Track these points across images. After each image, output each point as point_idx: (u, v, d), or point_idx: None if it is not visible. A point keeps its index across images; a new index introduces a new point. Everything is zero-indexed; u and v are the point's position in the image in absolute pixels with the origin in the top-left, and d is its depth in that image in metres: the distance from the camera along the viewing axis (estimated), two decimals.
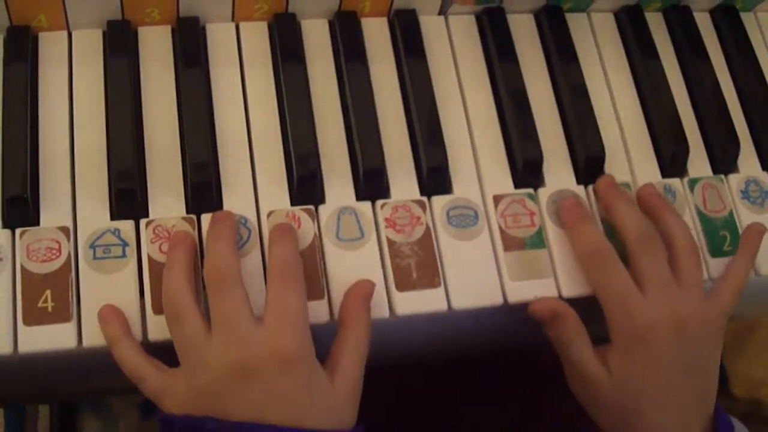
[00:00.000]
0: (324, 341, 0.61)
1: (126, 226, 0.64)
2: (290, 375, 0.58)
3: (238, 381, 0.57)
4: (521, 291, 0.67)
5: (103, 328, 0.61)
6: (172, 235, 0.63)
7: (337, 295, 0.64)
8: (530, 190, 0.70)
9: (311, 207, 0.66)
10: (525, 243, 0.68)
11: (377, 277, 0.65)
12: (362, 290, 0.63)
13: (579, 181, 0.72)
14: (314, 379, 0.59)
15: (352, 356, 0.61)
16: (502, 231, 0.68)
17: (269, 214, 0.65)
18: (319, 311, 0.63)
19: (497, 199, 0.69)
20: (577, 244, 0.67)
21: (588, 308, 0.66)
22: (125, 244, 0.63)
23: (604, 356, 0.65)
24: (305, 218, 0.66)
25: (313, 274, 0.64)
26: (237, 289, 0.59)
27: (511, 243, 0.68)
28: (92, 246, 0.63)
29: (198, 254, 0.63)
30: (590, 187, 0.71)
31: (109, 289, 0.62)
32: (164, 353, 0.61)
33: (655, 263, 0.65)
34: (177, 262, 0.61)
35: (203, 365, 0.58)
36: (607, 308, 0.65)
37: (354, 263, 0.65)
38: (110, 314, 0.61)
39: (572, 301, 0.67)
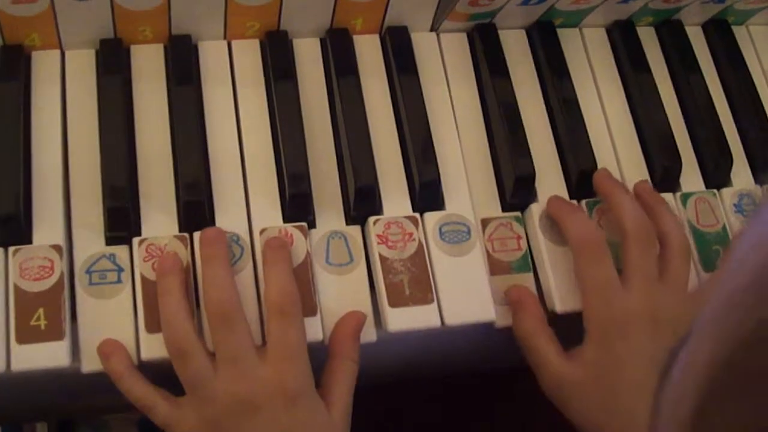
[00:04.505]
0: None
1: (121, 251, 0.64)
2: (293, 410, 0.59)
3: (245, 415, 0.59)
4: (508, 315, 0.68)
5: (105, 363, 0.61)
6: (160, 259, 0.63)
7: (327, 319, 0.64)
8: (518, 214, 0.70)
9: (303, 224, 0.66)
10: (511, 267, 0.68)
11: (366, 301, 0.65)
12: (352, 323, 0.64)
13: (571, 196, 0.72)
14: (315, 412, 0.61)
15: (343, 388, 0.63)
16: (489, 255, 0.68)
17: (262, 232, 0.65)
18: (312, 329, 0.63)
19: (485, 222, 0.69)
20: (569, 231, 0.67)
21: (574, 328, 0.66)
22: (120, 270, 0.63)
23: (575, 355, 0.65)
24: (298, 235, 0.66)
25: (306, 291, 0.64)
26: (240, 324, 0.60)
27: (497, 267, 0.68)
28: (88, 271, 0.63)
29: (191, 272, 0.63)
30: (583, 202, 0.71)
31: (105, 314, 0.62)
32: (158, 368, 0.61)
33: (644, 258, 0.65)
34: (171, 293, 0.61)
35: (211, 399, 0.60)
36: (587, 297, 0.65)
37: (344, 287, 0.65)
38: (111, 349, 0.61)
39: (565, 318, 0.67)
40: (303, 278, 0.64)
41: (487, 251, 0.68)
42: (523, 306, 0.66)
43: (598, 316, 0.64)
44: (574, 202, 0.71)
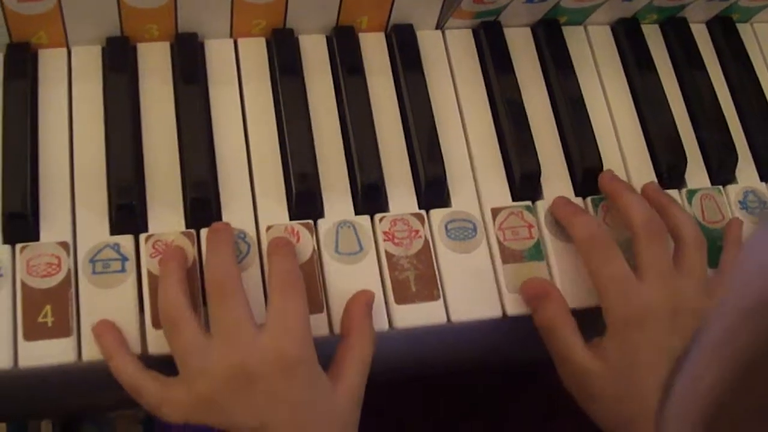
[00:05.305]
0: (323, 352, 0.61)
1: (125, 240, 0.64)
2: (292, 378, 0.58)
3: (240, 385, 0.57)
4: (520, 303, 0.67)
5: (98, 342, 0.61)
6: (164, 249, 0.63)
7: (337, 308, 0.64)
8: (528, 203, 0.70)
9: (310, 221, 0.66)
10: (523, 255, 0.68)
11: (378, 289, 0.65)
12: (364, 299, 0.64)
13: (577, 194, 0.72)
14: (316, 383, 0.60)
15: (355, 365, 0.62)
16: (500, 243, 0.68)
17: (268, 229, 0.66)
18: (318, 325, 0.63)
19: (495, 211, 0.69)
20: (575, 232, 0.67)
21: (585, 323, 0.66)
22: (125, 259, 0.63)
23: (597, 347, 0.65)
24: (304, 232, 0.66)
25: (312, 288, 0.64)
26: (237, 296, 0.59)
27: (509, 255, 0.68)
28: (92, 261, 0.63)
29: (197, 269, 0.64)
30: (588, 199, 0.71)
31: (108, 303, 0.62)
32: (164, 367, 0.61)
33: (657, 251, 0.65)
34: (171, 274, 0.61)
35: (204, 371, 0.58)
36: (603, 293, 0.64)
37: (353, 276, 0.65)
38: (105, 329, 0.61)
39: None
40: (309, 275, 0.64)
41: (498, 240, 0.68)
42: (548, 296, 0.66)
43: (617, 309, 0.64)
44: (579, 200, 0.71)
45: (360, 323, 0.63)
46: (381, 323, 0.65)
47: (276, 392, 0.58)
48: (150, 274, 0.63)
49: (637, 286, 0.64)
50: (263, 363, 0.58)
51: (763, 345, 0.29)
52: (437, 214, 0.68)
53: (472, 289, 0.67)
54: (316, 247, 0.66)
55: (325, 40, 0.75)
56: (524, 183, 0.70)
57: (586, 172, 0.71)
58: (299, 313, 0.60)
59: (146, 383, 0.60)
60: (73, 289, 0.62)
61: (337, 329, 0.64)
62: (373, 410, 0.63)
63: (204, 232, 0.64)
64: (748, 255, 0.32)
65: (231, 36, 0.73)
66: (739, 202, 0.74)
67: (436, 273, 0.66)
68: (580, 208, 0.69)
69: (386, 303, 0.65)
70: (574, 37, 0.79)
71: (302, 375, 0.59)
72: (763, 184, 0.76)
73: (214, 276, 0.60)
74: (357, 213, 0.68)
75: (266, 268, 0.64)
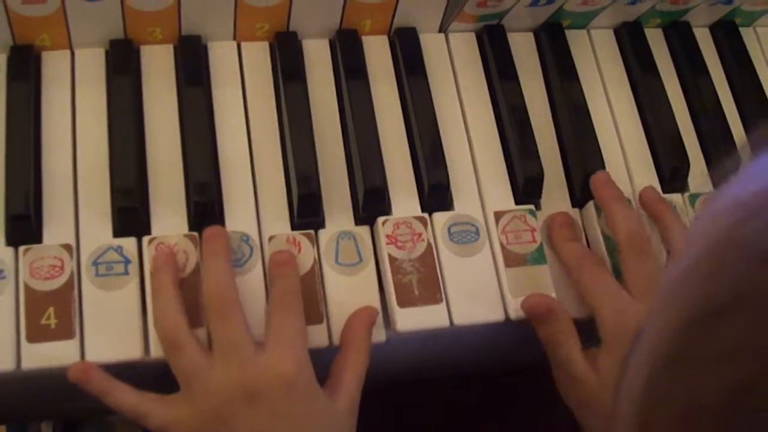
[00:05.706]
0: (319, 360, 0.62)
1: (128, 243, 0.64)
2: (292, 396, 0.59)
3: (243, 404, 0.58)
4: None
5: (84, 386, 0.60)
6: (152, 257, 0.63)
7: (336, 319, 0.64)
8: (531, 207, 0.70)
9: (311, 232, 0.66)
10: (526, 259, 0.68)
11: (375, 301, 0.65)
12: (366, 315, 0.64)
13: (579, 198, 0.72)
14: (315, 396, 0.60)
15: (353, 376, 0.63)
16: (503, 247, 0.68)
17: (270, 239, 0.66)
18: (318, 335, 0.64)
19: (498, 215, 0.69)
20: (563, 258, 0.68)
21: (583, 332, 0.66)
22: (128, 261, 0.63)
23: (593, 358, 0.65)
24: (305, 242, 0.66)
25: (312, 299, 0.64)
26: (236, 314, 0.60)
27: (512, 259, 0.68)
28: (95, 263, 0.63)
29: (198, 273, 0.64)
30: (591, 204, 0.71)
31: (111, 305, 0.62)
32: (166, 366, 0.61)
33: (640, 266, 0.65)
34: (163, 289, 0.61)
35: (207, 391, 0.59)
36: (597, 309, 0.65)
37: (352, 288, 0.66)
38: (87, 371, 0.60)
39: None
40: (310, 286, 0.65)
41: (501, 244, 0.68)
42: (555, 315, 0.66)
43: (611, 324, 0.64)
44: (577, 211, 0.72)
45: (359, 337, 0.64)
46: (383, 326, 0.65)
47: (277, 409, 0.59)
48: None
49: (629, 299, 0.64)
50: (264, 382, 0.59)
51: (703, 296, 0.30)
52: (440, 218, 0.68)
53: (475, 293, 0.67)
54: (317, 258, 0.66)
55: (328, 43, 0.75)
56: (527, 187, 0.70)
57: (589, 176, 0.71)
58: (297, 332, 0.61)
59: (150, 408, 0.60)
60: (76, 291, 0.62)
61: (336, 340, 0.64)
62: (373, 411, 0.64)
63: None
64: (700, 215, 0.33)
65: (234, 39, 0.73)
66: None
67: (439, 276, 0.66)
68: (572, 236, 0.70)
69: (389, 306, 0.65)
70: (577, 40, 0.79)
71: (301, 392, 0.60)
72: None
73: (212, 291, 0.61)
74: (360, 216, 0.68)
75: (268, 268, 0.64)
